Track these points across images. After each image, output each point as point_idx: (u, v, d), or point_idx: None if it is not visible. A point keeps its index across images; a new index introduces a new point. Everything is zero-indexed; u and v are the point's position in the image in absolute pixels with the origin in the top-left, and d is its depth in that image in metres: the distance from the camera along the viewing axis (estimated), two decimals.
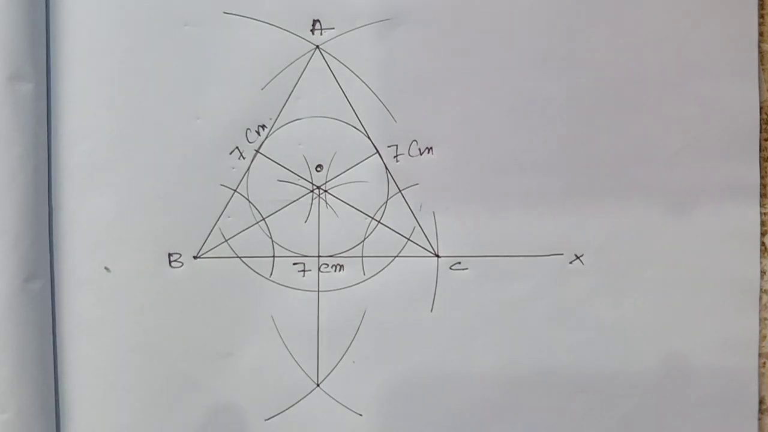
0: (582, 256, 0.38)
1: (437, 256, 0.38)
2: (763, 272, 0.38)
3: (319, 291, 0.38)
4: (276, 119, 0.38)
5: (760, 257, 0.38)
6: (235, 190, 0.38)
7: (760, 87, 0.38)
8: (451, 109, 0.38)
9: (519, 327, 0.38)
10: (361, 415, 0.38)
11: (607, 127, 0.38)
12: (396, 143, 0.38)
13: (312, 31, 0.38)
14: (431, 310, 0.38)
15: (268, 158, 0.38)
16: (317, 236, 0.38)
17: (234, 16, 0.38)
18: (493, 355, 0.38)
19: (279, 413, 0.38)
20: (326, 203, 0.38)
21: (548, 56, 0.38)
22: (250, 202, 0.38)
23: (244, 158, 0.38)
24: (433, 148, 0.38)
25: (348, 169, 0.38)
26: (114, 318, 0.38)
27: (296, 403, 0.38)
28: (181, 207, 0.38)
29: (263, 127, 0.38)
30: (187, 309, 0.38)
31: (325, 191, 0.38)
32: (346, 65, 0.38)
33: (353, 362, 0.38)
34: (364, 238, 0.38)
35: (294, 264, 0.38)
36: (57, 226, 0.38)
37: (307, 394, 0.38)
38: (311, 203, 0.38)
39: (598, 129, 0.38)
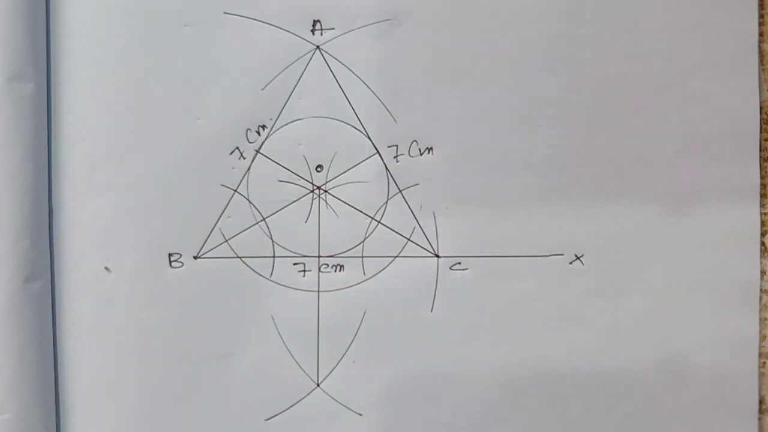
0: (582, 256, 0.38)
1: (437, 256, 0.38)
2: (763, 272, 0.38)
3: (319, 291, 0.38)
4: (276, 119, 0.38)
5: (760, 257, 0.38)
6: (235, 191, 0.38)
7: (760, 87, 0.38)
8: (451, 109, 0.38)
9: (519, 327, 0.38)
10: (361, 415, 0.38)
11: (607, 127, 0.38)
12: (396, 143, 0.38)
13: (312, 31, 0.38)
14: (431, 311, 0.38)
15: (269, 158, 0.38)
16: (317, 236, 0.38)
17: (234, 16, 0.38)
18: (493, 355, 0.38)
19: (279, 413, 0.38)
20: (326, 203, 0.38)
21: (548, 56, 0.38)
22: (250, 202, 0.38)
23: (244, 158, 0.38)
24: (433, 148, 0.38)
25: (348, 170, 0.38)
26: (114, 318, 0.38)
27: (296, 403, 0.38)
28: (181, 207, 0.38)
29: (263, 127, 0.38)
30: (188, 309, 0.38)
31: (326, 191, 0.38)
32: (347, 65, 0.38)
33: (353, 362, 0.38)
34: (364, 238, 0.38)
35: (294, 264, 0.38)
36: (57, 226, 0.38)
37: (307, 394, 0.38)
38: (311, 203, 0.38)
39: (598, 129, 0.38)
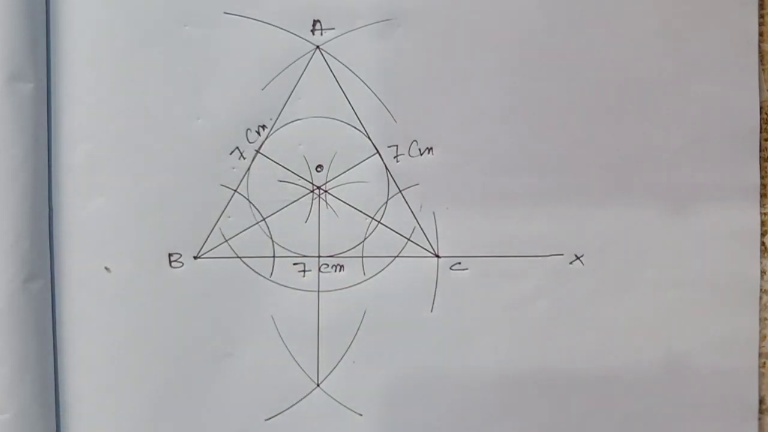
0: (582, 256, 0.38)
1: (437, 256, 0.38)
2: (763, 272, 0.38)
3: (319, 291, 0.38)
4: (276, 119, 0.38)
5: (760, 257, 0.38)
6: (235, 191, 0.38)
7: (760, 87, 0.38)
8: (451, 109, 0.38)
9: (519, 327, 0.38)
10: (361, 415, 0.38)
11: (607, 128, 0.38)
12: (396, 143, 0.38)
13: (312, 31, 0.38)
14: (431, 311, 0.38)
15: (269, 158, 0.38)
16: (317, 236, 0.38)
17: (234, 16, 0.38)
18: (493, 355, 0.38)
19: (279, 413, 0.38)
20: (326, 203, 0.38)
21: (548, 56, 0.38)
22: (250, 202, 0.38)
23: (244, 158, 0.38)
24: (433, 148, 0.38)
25: (348, 170, 0.38)
26: (114, 318, 0.38)
27: (296, 403, 0.38)
28: (181, 207, 0.38)
29: (263, 127, 0.38)
30: (188, 309, 0.38)
31: (326, 191, 0.38)
32: (347, 65, 0.38)
33: (353, 362, 0.38)
34: (365, 238, 0.38)
35: (294, 264, 0.38)
36: (57, 226, 0.38)
37: (307, 394, 0.38)
38: (311, 203, 0.38)
39: (598, 129, 0.38)
